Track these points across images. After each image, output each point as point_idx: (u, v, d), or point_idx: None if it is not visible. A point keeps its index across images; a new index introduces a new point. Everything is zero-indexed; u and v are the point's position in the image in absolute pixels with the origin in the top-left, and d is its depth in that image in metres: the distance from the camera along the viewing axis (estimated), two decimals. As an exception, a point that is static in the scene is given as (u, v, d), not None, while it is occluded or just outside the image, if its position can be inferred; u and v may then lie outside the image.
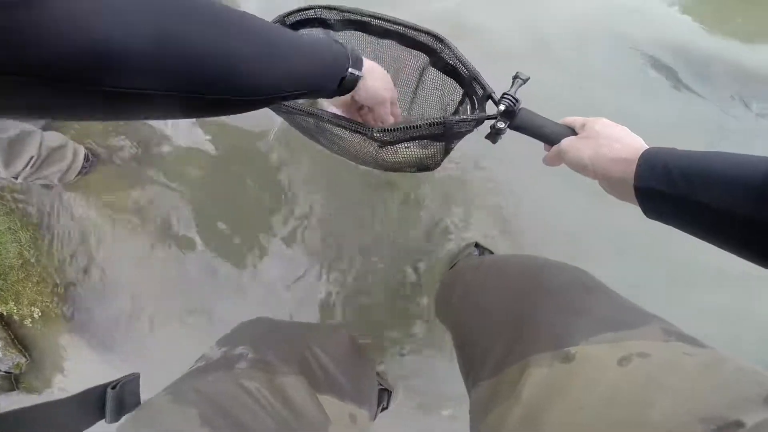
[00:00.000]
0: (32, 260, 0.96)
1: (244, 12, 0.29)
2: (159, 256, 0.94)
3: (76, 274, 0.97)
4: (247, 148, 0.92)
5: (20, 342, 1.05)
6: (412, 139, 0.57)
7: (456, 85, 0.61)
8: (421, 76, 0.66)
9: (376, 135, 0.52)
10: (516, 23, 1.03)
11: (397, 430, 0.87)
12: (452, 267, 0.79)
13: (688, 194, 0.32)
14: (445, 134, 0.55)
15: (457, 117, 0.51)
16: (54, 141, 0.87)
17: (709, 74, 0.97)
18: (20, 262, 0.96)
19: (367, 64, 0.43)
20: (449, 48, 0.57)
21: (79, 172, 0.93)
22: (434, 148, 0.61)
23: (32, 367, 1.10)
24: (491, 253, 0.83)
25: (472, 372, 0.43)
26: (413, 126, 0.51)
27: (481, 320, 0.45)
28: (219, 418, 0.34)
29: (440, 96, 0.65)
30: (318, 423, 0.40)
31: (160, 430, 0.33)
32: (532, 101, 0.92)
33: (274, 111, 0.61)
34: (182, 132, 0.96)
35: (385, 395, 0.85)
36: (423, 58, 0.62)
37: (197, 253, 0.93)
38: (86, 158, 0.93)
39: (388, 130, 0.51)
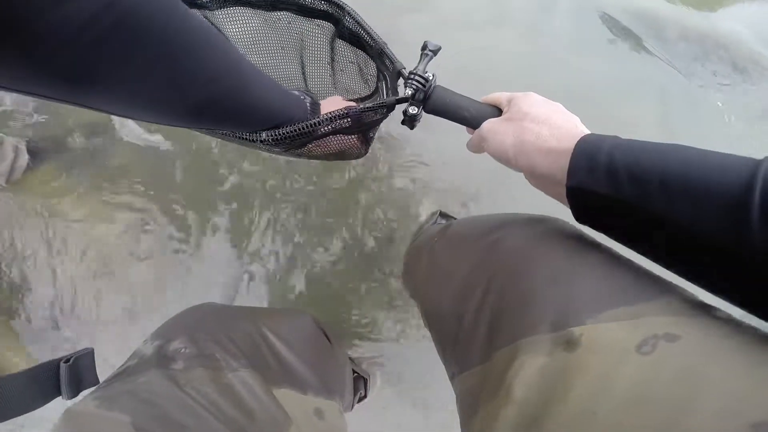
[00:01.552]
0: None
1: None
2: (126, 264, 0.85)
3: (24, 294, 0.87)
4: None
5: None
6: (318, 137, 0.46)
7: (368, 57, 0.52)
8: (332, 48, 0.58)
9: (271, 143, 0.42)
10: None
11: (378, 421, 0.82)
12: (416, 238, 0.68)
13: (637, 200, 0.24)
14: (354, 127, 0.46)
15: (360, 107, 0.43)
16: None
17: (667, 37, 0.97)
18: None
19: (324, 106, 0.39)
20: (350, 15, 0.49)
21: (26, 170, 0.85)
22: (349, 141, 0.53)
23: None
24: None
25: (453, 357, 0.35)
26: (311, 125, 0.41)
27: (455, 292, 0.37)
28: (156, 425, 0.29)
29: (359, 69, 0.57)
30: (276, 423, 0.35)
31: None
32: (484, 63, 0.93)
33: None
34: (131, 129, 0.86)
35: (361, 383, 0.77)
36: (329, 28, 0.54)
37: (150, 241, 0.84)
38: (32, 153, 0.86)
39: (280, 136, 0.41)
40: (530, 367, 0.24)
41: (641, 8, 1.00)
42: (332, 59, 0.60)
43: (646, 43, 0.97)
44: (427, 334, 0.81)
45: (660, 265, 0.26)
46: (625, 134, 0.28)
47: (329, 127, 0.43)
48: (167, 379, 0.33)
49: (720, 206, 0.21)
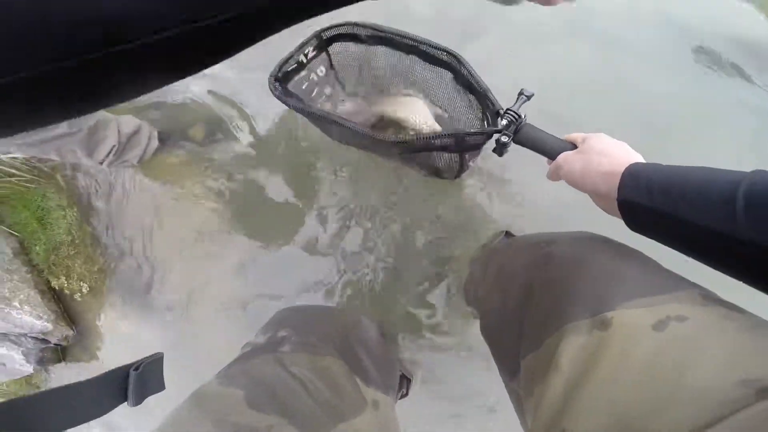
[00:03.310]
0: (79, 238, 1.01)
1: None
2: (211, 240, 0.96)
3: (128, 256, 1.00)
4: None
5: (68, 315, 1.10)
6: (428, 149, 0.64)
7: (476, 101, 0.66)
8: (450, 92, 0.73)
9: (395, 144, 0.58)
10: None
11: (414, 418, 0.87)
12: (482, 252, 0.78)
13: (666, 208, 0.33)
14: (456, 146, 0.61)
15: (465, 131, 0.57)
16: (129, 126, 0.90)
17: (763, 63, 0.94)
18: (69, 238, 1.00)
19: None
20: (464, 66, 0.62)
21: (154, 153, 0.98)
22: (450, 159, 0.69)
23: (78, 340, 1.16)
24: None
25: (510, 353, 0.42)
26: (425, 137, 0.57)
27: (516, 292, 0.44)
28: (264, 400, 0.35)
29: (468, 109, 0.71)
30: (357, 404, 0.41)
31: (208, 411, 0.34)
32: (562, 78, 0.93)
33: (301, 114, 0.69)
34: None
35: (404, 382, 0.85)
36: (448, 75, 0.68)
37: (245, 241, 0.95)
38: (161, 140, 0.98)
39: (404, 141, 0.57)
40: (573, 344, 0.30)
41: (734, 34, 0.97)
42: (449, 99, 0.75)
43: (744, 70, 0.93)
44: (469, 349, 0.88)
45: (692, 257, 0.33)
46: (708, 161, 0.35)
47: (438, 141, 0.57)
48: (275, 361, 0.40)
49: (716, 203, 0.29)
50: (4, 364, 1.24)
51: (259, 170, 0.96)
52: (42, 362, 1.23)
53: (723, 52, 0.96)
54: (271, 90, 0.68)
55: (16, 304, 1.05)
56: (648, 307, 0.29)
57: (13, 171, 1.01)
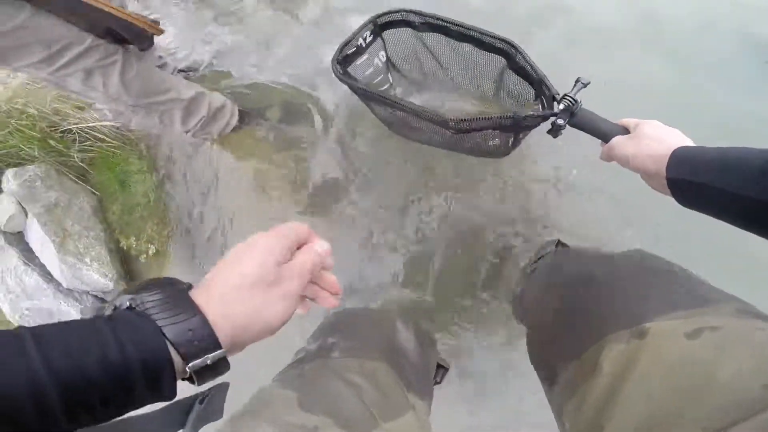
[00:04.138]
0: (154, 202, 1.08)
1: None
2: (276, 219, 1.01)
3: (195, 222, 1.06)
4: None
5: (130, 277, 1.17)
6: (486, 128, 0.67)
7: (529, 85, 0.70)
8: (501, 77, 0.76)
9: (452, 124, 0.63)
10: (619, 4, 1.02)
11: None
12: (536, 260, 0.81)
13: (709, 181, 0.37)
14: (514, 126, 0.65)
15: (524, 112, 0.61)
16: (217, 102, 0.99)
17: None
18: (145, 200, 1.08)
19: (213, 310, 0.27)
20: (521, 53, 0.66)
21: (232, 129, 1.06)
22: (504, 137, 0.73)
23: (135, 303, 1.22)
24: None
25: (552, 359, 0.45)
26: (487, 117, 0.61)
27: (559, 307, 0.49)
28: (314, 402, 0.39)
29: (519, 93, 0.76)
30: (401, 405, 0.44)
31: (264, 410, 0.38)
32: (626, 88, 0.93)
33: (359, 95, 0.74)
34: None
35: (440, 371, 0.86)
36: (501, 61, 0.72)
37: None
38: (240, 117, 1.06)
39: (464, 119, 0.61)
40: (614, 351, 0.33)
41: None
42: (498, 85, 0.79)
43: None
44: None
45: (737, 226, 0.37)
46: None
47: (497, 121, 0.62)
48: (326, 365, 0.44)
49: (754, 174, 0.33)
50: (60, 320, 1.31)
51: (328, 153, 1.02)
52: (95, 323, 1.29)
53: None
54: (333, 71, 0.73)
55: (87, 260, 1.12)
56: (684, 319, 0.32)
57: (103, 137, 1.11)
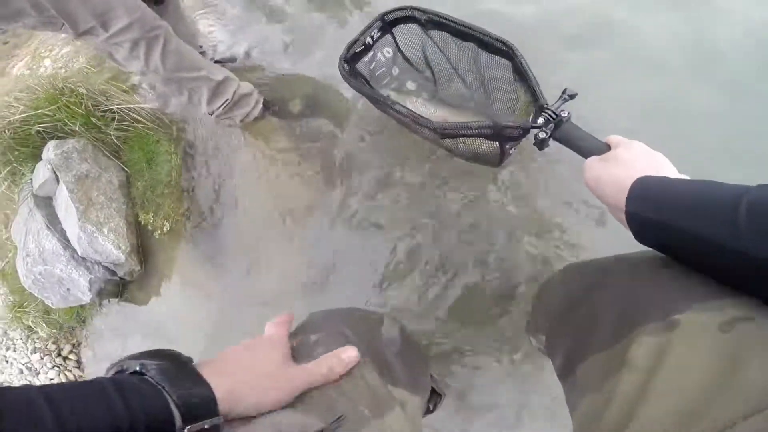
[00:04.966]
0: (176, 181, 1.15)
1: None
2: (292, 216, 1.03)
3: (214, 205, 1.11)
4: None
5: (142, 252, 1.21)
6: (467, 135, 0.68)
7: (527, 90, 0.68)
8: (500, 76, 0.76)
9: (433, 127, 0.65)
10: (671, 29, 0.99)
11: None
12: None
13: (670, 220, 0.33)
14: (496, 135, 0.64)
15: (503, 122, 0.60)
16: (244, 89, 1.07)
17: None
18: (168, 179, 1.14)
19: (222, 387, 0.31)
20: (518, 57, 0.66)
21: (255, 118, 1.13)
22: (489, 146, 0.70)
23: (142, 278, 1.26)
24: None
25: (570, 352, 0.44)
26: (466, 125, 0.62)
27: (583, 299, 0.46)
28: (306, 402, 0.39)
29: (516, 97, 0.74)
30: (387, 403, 0.44)
31: None
32: (677, 120, 0.89)
33: (362, 94, 0.77)
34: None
35: (434, 397, 0.80)
36: (505, 63, 0.72)
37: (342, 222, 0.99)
38: (264, 106, 1.13)
39: (443, 126, 0.65)
40: (646, 345, 0.32)
41: None
42: (499, 85, 0.77)
43: None
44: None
45: (699, 270, 0.34)
46: None
47: (476, 130, 0.63)
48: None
49: (719, 213, 0.30)
50: (68, 290, 1.35)
51: (348, 149, 1.07)
52: (100, 294, 1.32)
53: None
54: (339, 70, 0.74)
55: (105, 231, 1.17)
56: (714, 311, 0.31)
57: (140, 118, 1.20)
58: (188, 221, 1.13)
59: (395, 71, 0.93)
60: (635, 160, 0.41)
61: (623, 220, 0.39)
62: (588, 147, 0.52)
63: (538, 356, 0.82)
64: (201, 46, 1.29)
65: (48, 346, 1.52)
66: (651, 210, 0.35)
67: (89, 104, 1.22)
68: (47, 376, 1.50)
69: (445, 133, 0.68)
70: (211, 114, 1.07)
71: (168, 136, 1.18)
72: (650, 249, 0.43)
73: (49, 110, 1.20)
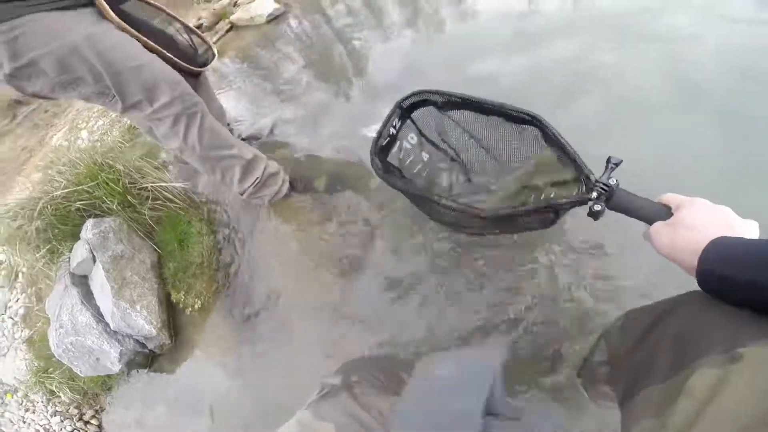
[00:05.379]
0: (208, 262, 1.18)
1: None
2: (330, 290, 1.06)
3: (245, 285, 1.15)
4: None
5: (173, 327, 1.24)
6: (521, 216, 0.66)
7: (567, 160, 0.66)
8: (534, 144, 0.74)
9: (488, 216, 0.63)
10: (653, 63, 1.05)
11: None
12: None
13: (740, 275, 0.36)
14: (553, 213, 0.64)
15: (559, 201, 0.60)
16: (272, 168, 1.11)
17: None
18: (199, 260, 1.18)
19: None
20: (548, 128, 0.65)
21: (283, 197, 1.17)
22: (542, 218, 0.69)
23: (171, 351, 1.28)
24: None
25: (635, 382, 0.45)
26: (522, 210, 0.62)
27: (645, 334, 0.48)
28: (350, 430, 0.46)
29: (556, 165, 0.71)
30: None
31: None
32: (667, 158, 0.92)
33: (402, 193, 0.73)
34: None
35: None
36: (533, 131, 0.70)
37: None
38: (291, 185, 1.17)
39: (497, 214, 0.62)
40: (707, 376, 0.34)
41: None
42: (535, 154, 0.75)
43: None
44: None
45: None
46: None
47: (533, 213, 0.63)
48: (353, 400, 0.50)
49: None
50: (98, 359, 1.38)
51: (373, 227, 1.10)
52: (130, 365, 1.35)
53: None
54: (374, 170, 0.72)
55: (138, 308, 1.21)
56: None
57: (173, 198, 1.25)
58: (220, 300, 1.17)
59: (425, 156, 0.91)
60: (702, 223, 0.44)
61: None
62: (648, 212, 0.52)
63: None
64: (228, 124, 1.35)
65: (69, 410, 1.54)
66: (723, 267, 0.38)
67: (126, 181, 1.27)
68: (66, 439, 1.52)
69: (500, 219, 0.65)
70: (242, 194, 1.11)
71: (199, 216, 1.22)
72: (699, 291, 0.45)
73: (89, 186, 1.26)
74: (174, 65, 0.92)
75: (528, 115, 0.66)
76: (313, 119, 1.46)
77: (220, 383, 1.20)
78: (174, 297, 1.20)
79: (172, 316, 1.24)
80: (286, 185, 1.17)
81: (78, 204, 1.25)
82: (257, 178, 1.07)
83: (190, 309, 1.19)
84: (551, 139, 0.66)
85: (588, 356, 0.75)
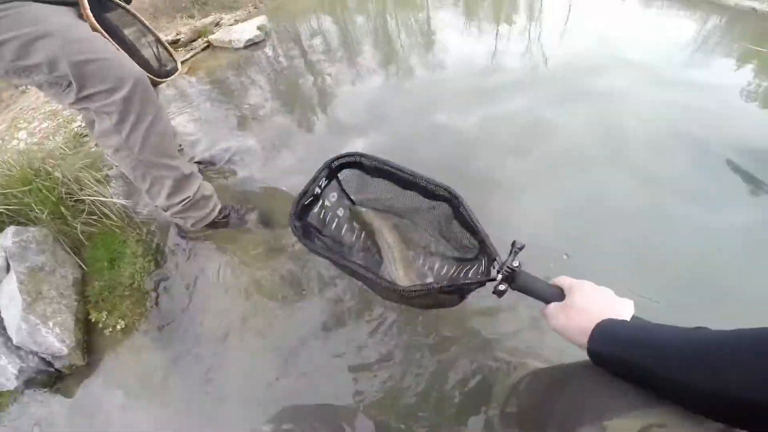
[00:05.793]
0: (138, 284, 1.17)
1: None
2: (257, 323, 1.07)
3: (176, 313, 1.14)
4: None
5: (88, 347, 1.19)
6: (431, 294, 0.67)
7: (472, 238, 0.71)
8: (444, 221, 0.79)
9: (402, 292, 0.64)
10: (589, 122, 1.23)
11: None
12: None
13: (620, 355, 0.43)
14: (458, 291, 0.67)
15: (463, 280, 0.65)
16: (206, 190, 1.11)
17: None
18: (130, 282, 1.16)
19: None
20: (464, 207, 0.68)
21: (209, 225, 1.16)
22: (451, 297, 0.72)
23: (80, 374, 1.22)
24: None
25: None
26: (430, 288, 0.63)
27: (540, 404, 0.58)
28: None
29: (460, 240, 0.79)
30: None
31: None
32: (601, 205, 1.07)
33: (320, 256, 0.73)
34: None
35: None
36: (446, 208, 0.74)
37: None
38: (220, 213, 1.16)
39: (412, 290, 0.64)
40: None
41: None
42: (439, 228, 0.83)
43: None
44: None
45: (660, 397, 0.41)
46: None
47: (440, 291, 0.64)
48: None
49: (706, 367, 0.36)
50: (-8, 375, 1.27)
51: (300, 264, 1.15)
52: (28, 384, 1.26)
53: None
54: (292, 230, 0.70)
55: (50, 324, 1.15)
56: (635, 418, 0.38)
57: (110, 214, 1.23)
58: (146, 323, 1.15)
59: (341, 212, 0.93)
60: (591, 305, 0.51)
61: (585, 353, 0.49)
62: (545, 294, 0.59)
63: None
64: (180, 144, 1.36)
65: (-53, 430, 1.38)
66: (606, 348, 0.46)
67: (63, 191, 1.24)
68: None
69: (411, 295, 0.66)
70: (165, 210, 1.06)
71: (136, 237, 1.22)
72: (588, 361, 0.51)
73: (19, 191, 1.20)
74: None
75: (446, 189, 0.71)
76: (270, 150, 1.52)
77: (128, 414, 1.15)
78: (94, 316, 1.16)
79: (90, 337, 1.19)
80: (216, 212, 1.15)
81: (1, 208, 1.20)
82: (188, 197, 1.04)
83: (110, 330, 1.15)
84: (463, 218, 0.71)
85: (503, 408, 0.85)
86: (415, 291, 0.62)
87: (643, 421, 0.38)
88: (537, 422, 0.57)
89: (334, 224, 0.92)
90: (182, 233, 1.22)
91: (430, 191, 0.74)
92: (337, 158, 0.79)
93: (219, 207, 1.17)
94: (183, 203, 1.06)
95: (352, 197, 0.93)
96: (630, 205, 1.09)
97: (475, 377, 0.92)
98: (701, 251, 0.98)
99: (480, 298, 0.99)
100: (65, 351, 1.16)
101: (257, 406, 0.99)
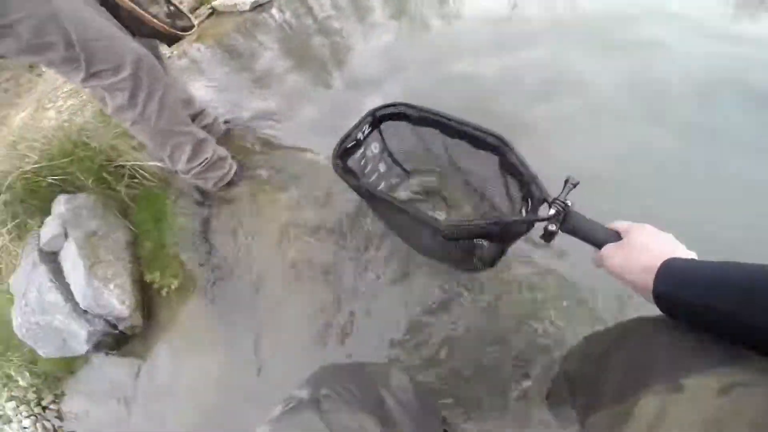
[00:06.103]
0: (185, 241, 1.19)
1: None
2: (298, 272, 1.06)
3: (224, 266, 1.16)
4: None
5: (147, 308, 1.24)
6: (476, 234, 0.64)
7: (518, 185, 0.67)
8: (490, 174, 0.75)
9: (444, 228, 0.59)
10: (622, 75, 1.09)
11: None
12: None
13: (697, 300, 0.38)
14: (502, 233, 0.60)
15: (511, 217, 0.59)
16: (221, 152, 1.14)
17: None
18: (175, 240, 1.19)
19: None
20: (512, 150, 0.64)
21: (228, 183, 1.20)
22: (491, 249, 0.69)
23: (142, 335, 1.27)
24: None
25: (591, 407, 0.49)
26: (476, 223, 0.59)
27: (601, 360, 0.52)
28: None
29: (507, 192, 0.74)
30: None
31: None
32: (640, 167, 0.95)
33: (356, 191, 0.74)
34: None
35: None
36: (493, 159, 0.70)
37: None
38: (236, 173, 1.20)
39: (454, 224, 0.59)
40: (651, 404, 0.36)
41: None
42: (487, 182, 0.79)
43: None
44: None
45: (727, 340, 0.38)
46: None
47: (485, 227, 0.58)
48: (320, 418, 0.47)
49: (734, 292, 0.35)
50: (65, 340, 1.35)
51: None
52: (98, 346, 1.33)
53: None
54: (333, 167, 0.72)
55: (111, 286, 1.20)
56: (716, 376, 0.34)
57: (148, 176, 1.25)
58: (199, 281, 1.17)
59: (382, 168, 0.92)
60: (653, 244, 0.46)
61: (650, 298, 0.43)
62: (599, 236, 0.53)
63: None
64: (203, 110, 1.36)
65: (27, 395, 1.48)
66: (678, 289, 0.40)
67: (102, 158, 1.26)
68: (21, 425, 1.46)
69: (452, 232, 0.61)
70: (186, 173, 1.11)
71: (176, 194, 1.23)
72: (660, 316, 0.46)
73: (62, 162, 1.23)
74: (153, 27, 0.95)
75: (494, 136, 0.67)
76: (287, 110, 1.49)
77: (188, 373, 1.17)
78: (148, 277, 1.20)
79: (147, 298, 1.24)
80: (233, 171, 1.19)
81: (50, 179, 1.23)
82: (206, 158, 1.10)
83: (166, 289, 1.19)
84: (510, 161, 0.66)
85: (554, 380, 0.78)
86: (458, 227, 0.57)
87: (727, 378, 0.34)
88: (590, 388, 0.51)
89: (374, 176, 0.91)
90: (203, 198, 1.24)
91: (479, 139, 0.69)
92: (382, 107, 0.78)
93: (235, 167, 1.20)
94: (202, 164, 1.10)
95: (393, 153, 0.90)
96: (672, 159, 0.98)
97: (520, 345, 0.86)
98: (758, 211, 0.87)
99: (525, 263, 0.92)
100: (127, 312, 1.21)
101: (301, 364, 0.98)
